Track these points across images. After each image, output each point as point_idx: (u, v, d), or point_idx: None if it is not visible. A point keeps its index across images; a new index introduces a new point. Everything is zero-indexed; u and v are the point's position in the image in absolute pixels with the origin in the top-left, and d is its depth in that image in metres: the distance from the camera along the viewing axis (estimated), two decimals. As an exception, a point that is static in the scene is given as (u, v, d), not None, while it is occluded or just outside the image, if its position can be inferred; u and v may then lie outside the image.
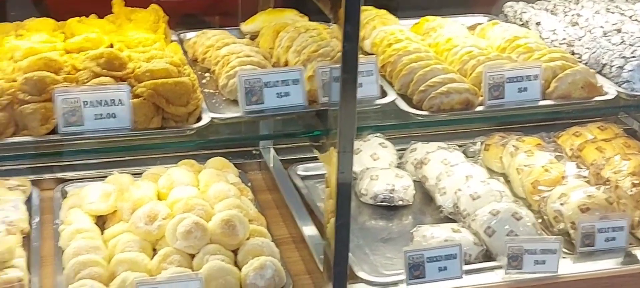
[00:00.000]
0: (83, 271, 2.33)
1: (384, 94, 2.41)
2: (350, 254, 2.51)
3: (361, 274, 2.48)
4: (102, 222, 2.74)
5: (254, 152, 3.31)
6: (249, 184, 3.11)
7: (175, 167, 2.93)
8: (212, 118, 2.18)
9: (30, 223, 2.73)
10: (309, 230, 2.77)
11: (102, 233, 2.63)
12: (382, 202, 3.00)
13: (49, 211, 2.87)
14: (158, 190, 2.82)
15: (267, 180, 3.22)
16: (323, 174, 3.19)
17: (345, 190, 2.17)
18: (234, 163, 3.14)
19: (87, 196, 2.71)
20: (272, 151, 3.30)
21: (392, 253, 2.72)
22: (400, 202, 3.00)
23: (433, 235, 2.65)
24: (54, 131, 2.02)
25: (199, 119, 2.18)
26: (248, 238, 2.56)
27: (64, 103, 1.98)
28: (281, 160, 3.28)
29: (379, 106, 2.33)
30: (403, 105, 2.38)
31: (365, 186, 3.04)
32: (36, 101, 2.02)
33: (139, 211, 2.57)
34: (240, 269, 2.46)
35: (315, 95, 2.29)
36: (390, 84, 2.49)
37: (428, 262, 2.39)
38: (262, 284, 2.36)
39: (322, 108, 2.24)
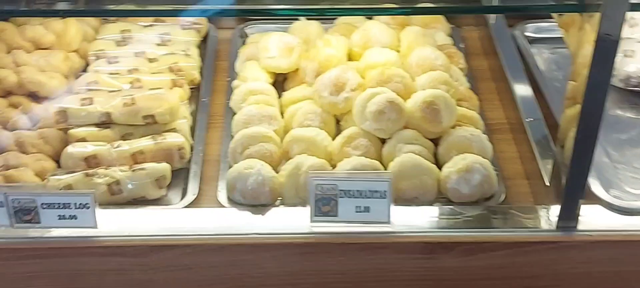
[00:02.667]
0: (252, 147, 2.03)
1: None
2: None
3: (597, 190, 1.97)
4: (282, 78, 2.40)
5: (471, 0, 2.75)
6: (462, 45, 2.62)
7: (373, 20, 2.48)
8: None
9: (201, 72, 2.44)
10: (534, 115, 2.24)
11: (281, 95, 2.29)
12: (636, 87, 2.40)
13: (225, 57, 2.59)
14: (350, 48, 2.42)
15: (484, 41, 2.71)
16: (562, 38, 2.64)
17: (598, 92, 1.64)
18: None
19: (266, 48, 2.37)
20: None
21: (644, 162, 2.16)
22: (661, 91, 2.39)
23: None
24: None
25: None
26: (454, 127, 2.10)
27: None
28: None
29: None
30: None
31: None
32: None
33: (324, 76, 2.19)
34: (439, 164, 2.03)
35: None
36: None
37: (699, 192, 1.82)
38: (466, 191, 1.94)
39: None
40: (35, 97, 2.26)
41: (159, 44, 2.48)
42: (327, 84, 2.18)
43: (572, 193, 1.81)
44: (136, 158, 2.01)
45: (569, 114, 1.78)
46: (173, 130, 2.11)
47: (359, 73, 2.26)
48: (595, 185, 2.01)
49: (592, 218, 1.91)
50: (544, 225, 1.88)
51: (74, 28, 2.42)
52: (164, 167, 1.97)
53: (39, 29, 2.41)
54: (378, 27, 2.41)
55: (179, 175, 2.08)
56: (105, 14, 2.36)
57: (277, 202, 1.99)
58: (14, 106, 2.21)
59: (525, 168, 2.15)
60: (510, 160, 2.19)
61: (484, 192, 1.98)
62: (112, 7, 1.73)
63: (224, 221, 1.88)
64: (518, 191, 2.08)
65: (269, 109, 2.17)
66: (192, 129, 2.23)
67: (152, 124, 2.09)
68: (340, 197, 1.84)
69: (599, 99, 1.66)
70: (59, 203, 1.76)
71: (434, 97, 2.08)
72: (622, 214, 1.94)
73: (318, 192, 1.84)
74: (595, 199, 1.97)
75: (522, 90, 2.34)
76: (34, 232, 1.79)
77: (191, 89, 2.40)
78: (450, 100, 2.11)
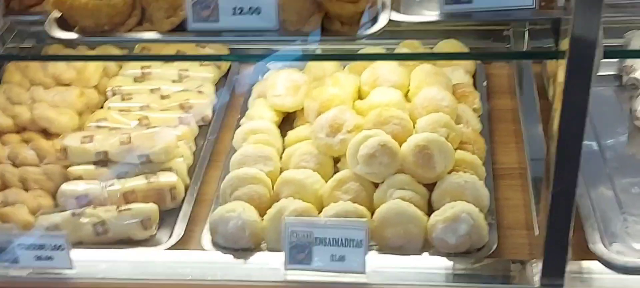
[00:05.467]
0: (241, 189, 2.01)
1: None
2: (591, 209, 1.91)
3: (597, 247, 1.82)
4: (294, 116, 2.37)
5: (504, 33, 2.63)
6: (485, 83, 2.51)
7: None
8: (391, 20, 1.62)
9: (214, 109, 2.44)
10: (539, 160, 2.12)
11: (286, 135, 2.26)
12: (660, 129, 2.23)
13: (243, 92, 2.56)
14: (360, 87, 2.36)
15: (511, 79, 2.58)
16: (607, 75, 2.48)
17: (571, 151, 1.52)
18: (477, 47, 2.52)
19: (273, 85, 2.35)
20: (526, 36, 2.60)
21: (662, 214, 1.99)
22: (692, 136, 2.20)
23: None
24: (181, 26, 1.62)
25: (374, 19, 1.63)
26: (451, 171, 2.01)
27: (194, -11, 1.58)
28: (536, 50, 2.58)
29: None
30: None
31: (642, 105, 2.28)
32: (165, -17, 1.63)
33: (322, 117, 2.15)
34: (433, 211, 1.94)
35: (554, -6, 1.61)
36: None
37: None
38: (452, 241, 1.85)
39: (556, 16, 1.56)
40: (49, 133, 2.31)
41: (175, 81, 2.50)
42: (323, 124, 2.13)
43: (554, 247, 1.69)
44: (127, 197, 2.02)
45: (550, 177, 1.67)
46: (169, 169, 2.10)
47: (364, 114, 2.20)
48: (594, 239, 1.87)
49: (585, 276, 1.77)
50: (528, 281, 1.76)
51: (93, 65, 2.47)
52: (150, 208, 1.97)
53: (60, 65, 2.47)
54: (387, 66, 2.35)
55: (173, 215, 2.08)
56: (116, 59, 2.41)
57: (263, 246, 1.95)
58: (26, 142, 2.27)
59: (526, 218, 2.02)
60: (514, 207, 2.08)
61: (473, 242, 1.88)
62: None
63: (199, 266, 1.86)
64: (515, 242, 1.96)
65: (266, 149, 2.14)
66: (194, 167, 2.22)
67: (147, 163, 2.10)
68: (316, 245, 1.79)
69: (573, 146, 1.54)
70: (35, 245, 1.78)
71: (427, 141, 2.00)
72: (620, 273, 1.79)
73: (293, 238, 1.80)
74: (592, 255, 1.83)
75: (533, 133, 2.21)
76: (13, 271, 1.82)
77: (202, 126, 2.39)
78: (445, 144, 2.01)
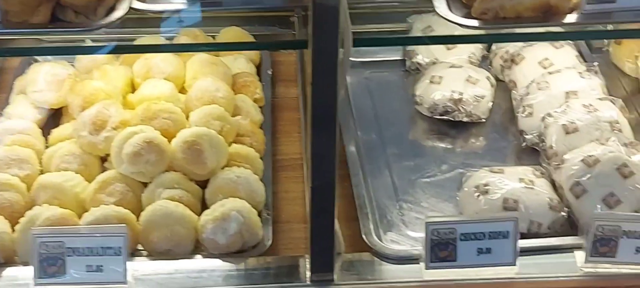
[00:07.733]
0: (-8, 196, 1.83)
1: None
2: (367, 199, 1.93)
3: (369, 238, 1.83)
4: (60, 115, 2.21)
5: (291, 18, 2.56)
6: (269, 72, 2.45)
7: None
8: (131, 8, 1.52)
9: (-30, 108, 2.24)
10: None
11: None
12: (442, 115, 2.27)
13: (6, 89, 2.37)
14: (133, 79, 2.24)
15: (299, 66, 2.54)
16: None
17: (325, 143, 1.50)
18: (262, 35, 2.45)
19: (34, 80, 2.18)
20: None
21: (438, 198, 2.03)
22: (468, 119, 2.26)
23: (489, 189, 1.93)
24: None
25: (113, 9, 1.52)
26: (226, 166, 1.94)
27: None
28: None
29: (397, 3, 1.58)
30: (441, 3, 1.59)
31: (421, 91, 2.31)
32: None
33: (84, 113, 2.02)
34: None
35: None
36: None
37: (462, 240, 1.69)
38: (222, 241, 1.78)
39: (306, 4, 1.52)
40: None
41: None
42: (86, 121, 2.00)
43: (321, 240, 1.66)
44: None
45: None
46: None
47: (127, 110, 2.08)
48: (369, 229, 1.87)
49: (358, 268, 1.77)
50: (299, 278, 1.73)
51: None
52: None
53: None
54: (161, 56, 2.24)
55: None
56: None
57: (17, 260, 1.80)
58: None
59: (304, 211, 2.00)
60: (292, 200, 2.04)
61: (246, 240, 1.83)
62: None
63: None
64: (293, 237, 1.93)
65: (22, 151, 1.98)
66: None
67: None
68: (68, 256, 1.67)
69: (326, 138, 1.51)
70: None
71: (196, 136, 1.92)
72: (393, 262, 1.80)
73: (43, 250, 1.67)
74: (364, 246, 1.82)
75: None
76: None
77: (-44, 127, 2.18)
78: (217, 138, 1.94)
